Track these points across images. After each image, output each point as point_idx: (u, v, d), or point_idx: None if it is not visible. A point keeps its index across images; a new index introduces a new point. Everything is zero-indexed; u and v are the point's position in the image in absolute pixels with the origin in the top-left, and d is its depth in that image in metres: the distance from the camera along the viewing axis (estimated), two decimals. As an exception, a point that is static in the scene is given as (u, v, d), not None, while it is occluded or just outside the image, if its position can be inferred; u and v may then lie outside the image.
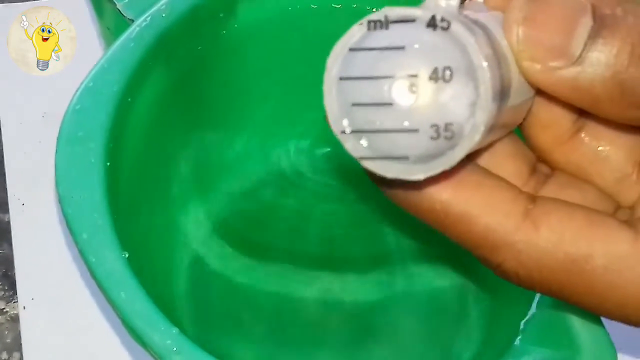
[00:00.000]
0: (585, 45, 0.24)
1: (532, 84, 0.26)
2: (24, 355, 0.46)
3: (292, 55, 0.45)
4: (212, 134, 0.46)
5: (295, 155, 0.49)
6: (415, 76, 0.23)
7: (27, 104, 0.53)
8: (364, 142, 0.24)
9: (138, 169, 0.40)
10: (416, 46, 0.23)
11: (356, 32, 0.24)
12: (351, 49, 0.24)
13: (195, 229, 0.47)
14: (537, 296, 0.37)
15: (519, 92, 0.25)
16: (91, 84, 0.38)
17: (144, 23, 0.40)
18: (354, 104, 0.24)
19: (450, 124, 0.23)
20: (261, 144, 0.48)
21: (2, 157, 0.51)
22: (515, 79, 0.25)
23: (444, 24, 0.23)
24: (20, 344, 0.47)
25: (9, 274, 0.49)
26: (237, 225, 0.47)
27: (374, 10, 0.44)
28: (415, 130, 0.23)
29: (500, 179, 0.26)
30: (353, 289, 0.46)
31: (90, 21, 0.52)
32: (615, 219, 0.26)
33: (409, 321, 0.45)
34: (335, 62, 0.24)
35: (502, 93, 0.24)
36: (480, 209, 0.26)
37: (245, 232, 0.47)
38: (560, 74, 0.25)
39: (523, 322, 0.36)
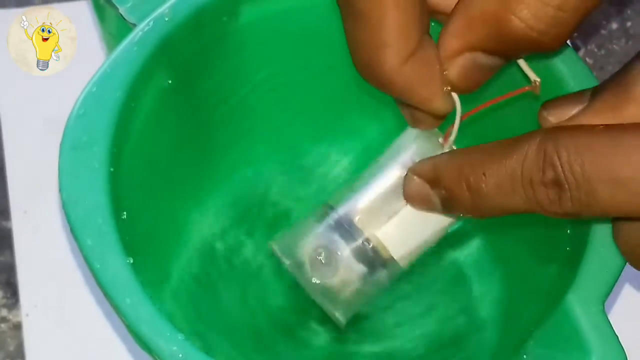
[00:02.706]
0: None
1: None
2: (27, 363, 0.46)
3: (295, 58, 0.45)
4: (216, 137, 0.46)
5: (302, 157, 0.49)
6: None
7: (28, 110, 0.53)
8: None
9: (142, 173, 0.40)
10: None
11: None
12: None
13: (200, 233, 0.47)
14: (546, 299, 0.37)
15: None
16: (94, 89, 0.38)
17: (147, 27, 0.39)
18: None
19: None
20: (266, 147, 0.48)
21: (4, 163, 0.51)
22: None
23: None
24: (23, 352, 0.46)
25: (11, 281, 0.48)
26: (242, 230, 0.47)
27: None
28: None
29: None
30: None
31: (91, 22, 0.52)
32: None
33: (419, 324, 0.45)
34: None
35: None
36: None
37: (250, 238, 0.47)
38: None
39: (534, 325, 0.36)
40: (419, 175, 0.35)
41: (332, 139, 0.49)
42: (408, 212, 0.36)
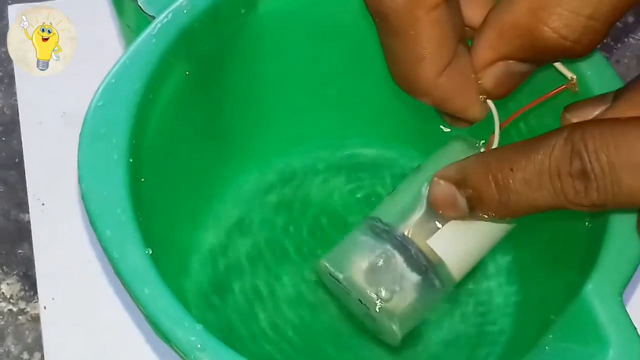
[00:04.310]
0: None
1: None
2: (45, 355, 0.46)
3: (312, 50, 0.45)
4: (234, 128, 0.46)
5: (321, 148, 0.49)
6: None
7: (45, 104, 0.53)
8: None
9: (160, 164, 0.40)
10: None
11: None
12: None
13: (219, 225, 0.47)
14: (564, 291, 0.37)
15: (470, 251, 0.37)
16: (113, 80, 0.38)
17: (165, 19, 0.39)
18: None
19: None
20: (286, 139, 0.48)
21: (22, 157, 0.51)
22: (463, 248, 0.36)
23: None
24: (41, 344, 0.47)
25: (29, 274, 0.49)
26: (259, 222, 0.47)
27: None
28: None
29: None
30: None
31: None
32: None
33: (441, 317, 0.45)
34: None
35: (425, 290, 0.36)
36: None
37: (269, 229, 0.47)
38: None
39: (551, 317, 0.36)
40: (446, 179, 0.35)
41: (354, 129, 0.49)
42: (458, 224, 0.36)
